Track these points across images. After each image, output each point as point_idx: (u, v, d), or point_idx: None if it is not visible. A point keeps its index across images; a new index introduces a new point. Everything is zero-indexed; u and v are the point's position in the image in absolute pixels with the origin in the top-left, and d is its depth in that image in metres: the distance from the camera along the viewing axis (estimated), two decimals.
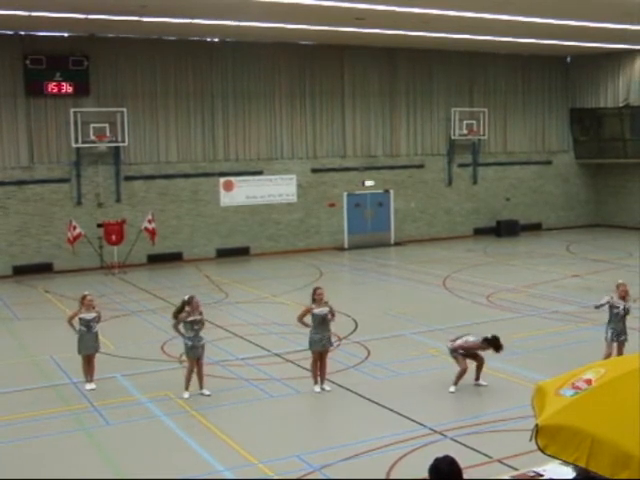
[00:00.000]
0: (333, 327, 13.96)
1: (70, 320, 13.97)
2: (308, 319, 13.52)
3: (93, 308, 13.99)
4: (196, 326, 13.36)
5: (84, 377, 13.85)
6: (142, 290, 23.10)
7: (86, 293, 14.21)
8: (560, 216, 36.08)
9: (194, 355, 13.32)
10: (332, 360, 14.53)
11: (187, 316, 13.34)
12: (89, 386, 13.72)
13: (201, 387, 13.42)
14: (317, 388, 13.50)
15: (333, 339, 14.19)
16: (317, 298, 13.44)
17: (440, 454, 5.63)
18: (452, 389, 13.32)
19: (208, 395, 13.26)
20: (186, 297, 13.63)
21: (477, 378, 13.58)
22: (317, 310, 13.38)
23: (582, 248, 30.01)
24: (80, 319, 13.81)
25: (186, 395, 13.18)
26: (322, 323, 13.38)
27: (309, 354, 13.77)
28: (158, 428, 11.96)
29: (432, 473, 5.45)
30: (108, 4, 21.14)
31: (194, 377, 13.40)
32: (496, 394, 13.23)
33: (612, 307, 13.94)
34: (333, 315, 13.62)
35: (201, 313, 13.58)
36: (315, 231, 30.87)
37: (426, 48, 31.31)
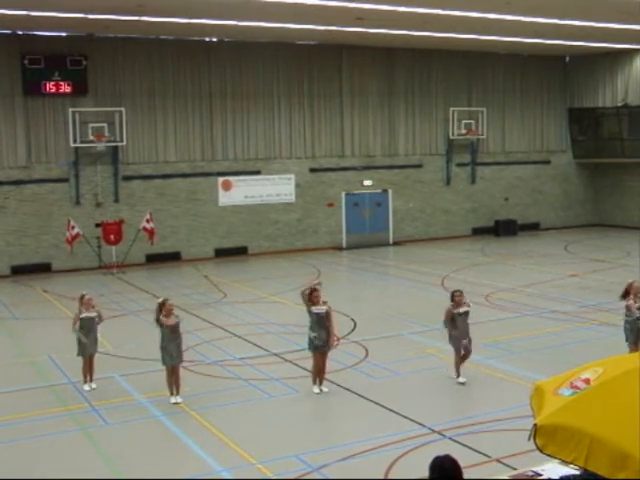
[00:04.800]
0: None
1: (75, 325, 13.76)
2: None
3: (93, 307, 13.88)
4: (172, 332, 12.92)
5: (83, 377, 13.82)
6: (141, 290, 23.09)
7: (84, 293, 14.11)
8: (558, 216, 36.10)
9: (169, 362, 12.95)
10: (330, 360, 14.51)
11: (164, 321, 12.91)
12: (87, 387, 13.70)
13: (177, 392, 13.01)
14: (316, 389, 13.44)
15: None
16: (314, 300, 13.30)
17: (439, 454, 5.63)
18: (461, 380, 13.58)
19: (179, 402, 12.87)
20: (160, 299, 13.19)
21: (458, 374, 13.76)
22: (315, 310, 13.27)
23: (580, 248, 30.02)
24: (81, 319, 13.67)
25: (172, 400, 12.91)
26: (321, 322, 13.29)
27: (307, 354, 13.76)
28: (156, 428, 11.95)
29: (434, 471, 5.42)
30: (106, 4, 21.13)
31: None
32: (495, 394, 13.23)
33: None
34: (329, 318, 13.41)
35: (177, 317, 13.13)
36: (313, 231, 30.87)
37: (424, 48, 31.32)
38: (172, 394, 12.97)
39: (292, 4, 21.23)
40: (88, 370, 13.79)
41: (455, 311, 13.64)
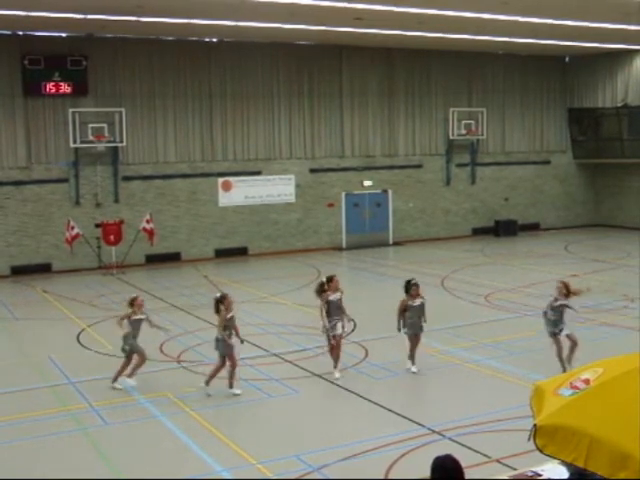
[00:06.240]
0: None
1: (120, 321, 13.88)
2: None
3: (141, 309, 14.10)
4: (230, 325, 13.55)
5: (116, 375, 13.84)
6: (140, 290, 23.03)
7: (136, 295, 14.28)
8: (558, 216, 36.10)
9: (227, 351, 13.44)
10: (330, 360, 14.59)
11: (225, 314, 13.45)
12: (131, 381, 13.78)
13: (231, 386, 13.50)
14: (337, 374, 14.06)
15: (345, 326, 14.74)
16: (333, 286, 14.01)
17: (439, 454, 5.63)
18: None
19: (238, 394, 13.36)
20: (218, 295, 13.70)
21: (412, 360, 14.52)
22: (332, 297, 14.03)
23: (580, 248, 30.02)
24: (135, 320, 13.76)
25: (210, 392, 13.29)
26: (337, 309, 14.07)
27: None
28: (156, 428, 11.95)
29: (436, 471, 5.41)
30: (106, 4, 21.13)
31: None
32: (494, 394, 13.23)
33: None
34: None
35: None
36: (313, 231, 30.87)
37: (424, 48, 31.33)
38: (207, 384, 13.37)
39: (289, 4, 21.22)
40: (125, 368, 13.86)
41: (409, 303, 14.28)
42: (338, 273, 25.48)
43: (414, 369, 14.35)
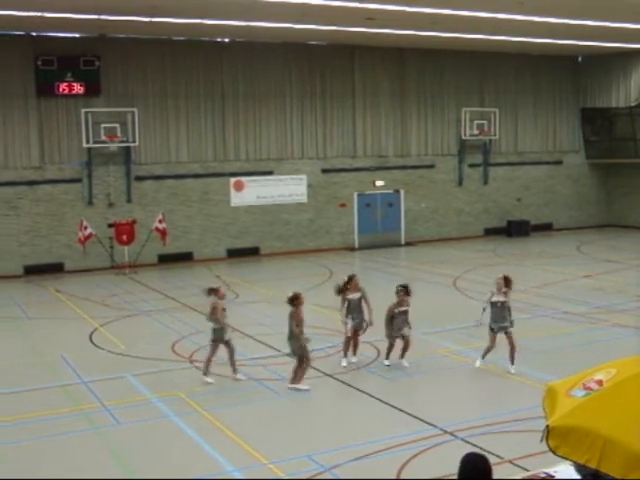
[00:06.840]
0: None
1: (220, 315, 13.95)
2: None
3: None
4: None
5: (206, 368, 13.99)
6: (153, 290, 23.14)
7: (217, 286, 14.39)
8: (571, 216, 35.96)
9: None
10: (338, 360, 14.60)
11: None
12: (210, 379, 13.87)
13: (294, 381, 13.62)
14: (344, 362, 14.55)
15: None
16: (353, 285, 14.61)
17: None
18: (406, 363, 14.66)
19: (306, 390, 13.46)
20: (292, 293, 13.70)
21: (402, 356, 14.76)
22: (351, 295, 14.56)
23: (593, 248, 29.90)
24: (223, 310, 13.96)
25: (305, 387, 13.40)
26: (357, 306, 14.61)
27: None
28: (168, 428, 11.97)
29: (466, 469, 5.28)
30: (119, 5, 21.19)
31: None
32: (507, 395, 13.19)
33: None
34: (367, 301, 14.72)
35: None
36: (325, 231, 30.86)
37: (436, 48, 31.26)
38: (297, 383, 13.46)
39: (300, 4, 21.22)
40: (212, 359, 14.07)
41: (395, 310, 14.47)
42: (350, 273, 25.42)
43: (405, 363, 14.56)
